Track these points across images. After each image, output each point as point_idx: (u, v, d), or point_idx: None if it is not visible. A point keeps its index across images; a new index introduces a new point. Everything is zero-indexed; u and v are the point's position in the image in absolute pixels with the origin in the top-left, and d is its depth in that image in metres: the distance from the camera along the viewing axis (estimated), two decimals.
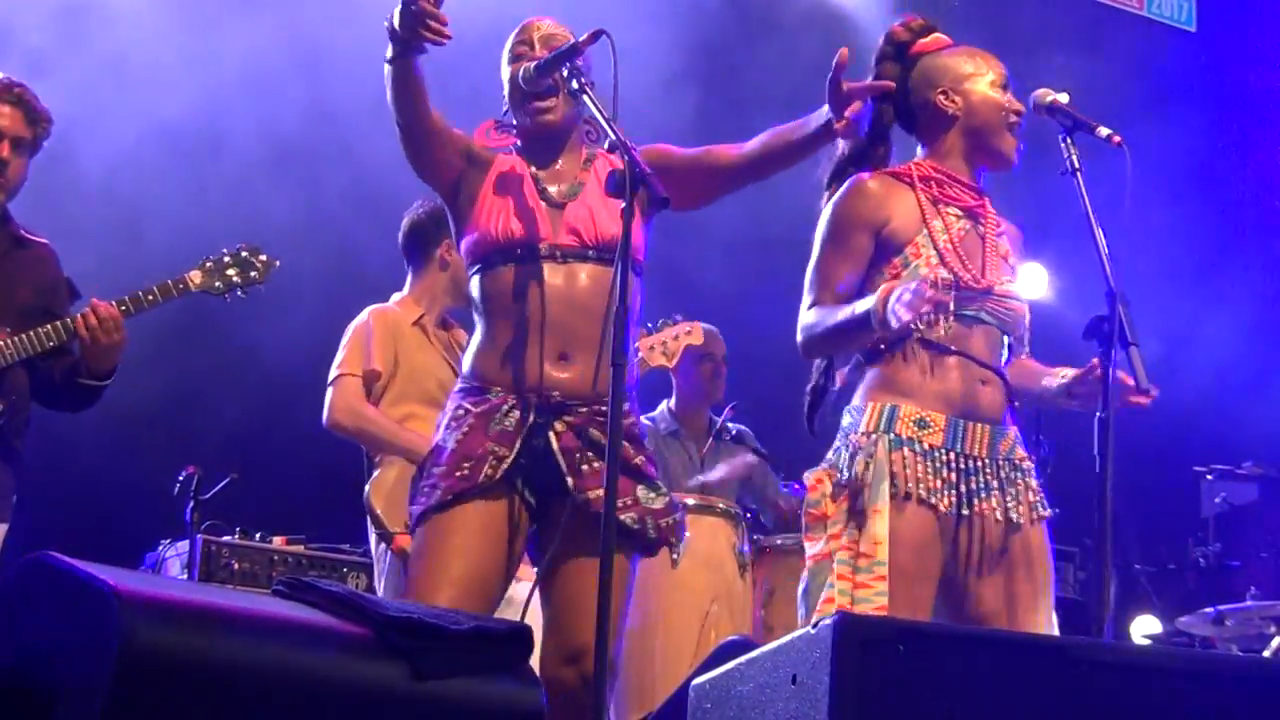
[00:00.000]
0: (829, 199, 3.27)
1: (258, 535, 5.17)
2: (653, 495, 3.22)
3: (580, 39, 3.11)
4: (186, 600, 2.09)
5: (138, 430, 6.06)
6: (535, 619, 4.39)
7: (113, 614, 1.92)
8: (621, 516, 3.09)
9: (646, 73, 6.20)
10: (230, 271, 3.84)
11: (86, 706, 1.91)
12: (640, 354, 5.07)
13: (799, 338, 3.22)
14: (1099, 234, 3.03)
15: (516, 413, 3.12)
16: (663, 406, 5.64)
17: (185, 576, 4.90)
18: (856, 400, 3.19)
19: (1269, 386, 7.98)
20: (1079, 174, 3.05)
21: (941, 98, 3.24)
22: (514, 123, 3.33)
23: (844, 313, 3.09)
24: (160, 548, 5.28)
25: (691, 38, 6.74)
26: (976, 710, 2.09)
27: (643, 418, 5.55)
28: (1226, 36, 8.07)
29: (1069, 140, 3.09)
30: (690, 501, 4.99)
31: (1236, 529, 7.43)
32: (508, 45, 3.32)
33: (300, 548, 5.18)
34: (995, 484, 3.12)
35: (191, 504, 5.04)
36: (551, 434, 3.12)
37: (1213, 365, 7.85)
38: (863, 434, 3.12)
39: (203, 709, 1.97)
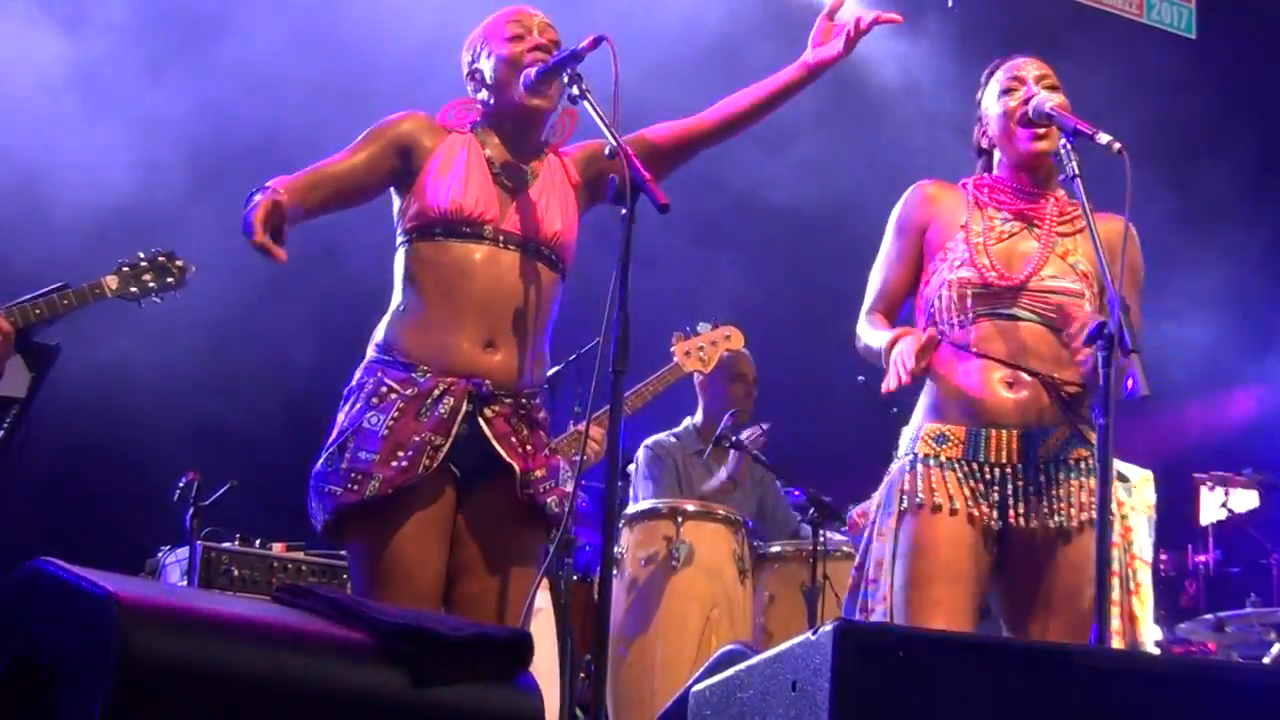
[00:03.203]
0: None
1: (257, 541, 5.15)
2: (566, 476, 3.23)
3: (582, 45, 3.11)
4: (186, 607, 2.08)
5: (137, 436, 6.05)
6: (535, 622, 4.45)
7: (113, 620, 1.92)
8: (548, 502, 3.15)
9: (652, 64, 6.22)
10: (146, 277, 3.80)
11: (86, 713, 1.91)
12: (675, 359, 5.06)
13: (857, 329, 3.34)
14: (1100, 240, 3.03)
15: (450, 399, 3.08)
16: (687, 423, 5.61)
17: (185, 583, 4.89)
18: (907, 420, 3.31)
19: (1269, 393, 7.98)
20: (1079, 180, 3.05)
21: (981, 135, 3.38)
22: (490, 100, 3.30)
23: (875, 341, 3.21)
24: (160, 554, 5.27)
25: (694, 41, 6.76)
26: (976, 717, 2.09)
27: (668, 434, 5.55)
28: (1226, 43, 8.08)
29: (1069, 147, 3.09)
30: (690, 508, 4.99)
31: (1236, 536, 7.43)
32: (491, 29, 3.31)
33: (300, 554, 5.16)
34: (1031, 489, 3.11)
35: (191, 510, 5.03)
36: (482, 420, 3.11)
37: (1213, 371, 7.86)
38: (895, 459, 3.24)
39: (202, 715, 1.97)
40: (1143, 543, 3.18)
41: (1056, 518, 3.10)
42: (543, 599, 4.54)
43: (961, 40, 7.40)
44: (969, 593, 3.08)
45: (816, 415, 6.55)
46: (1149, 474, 3.20)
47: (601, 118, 3.01)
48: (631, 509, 5.07)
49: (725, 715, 2.32)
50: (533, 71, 3.19)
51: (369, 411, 3.08)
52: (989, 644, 2.48)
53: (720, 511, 5.04)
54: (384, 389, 3.10)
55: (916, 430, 3.21)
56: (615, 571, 4.90)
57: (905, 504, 3.12)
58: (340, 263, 6.15)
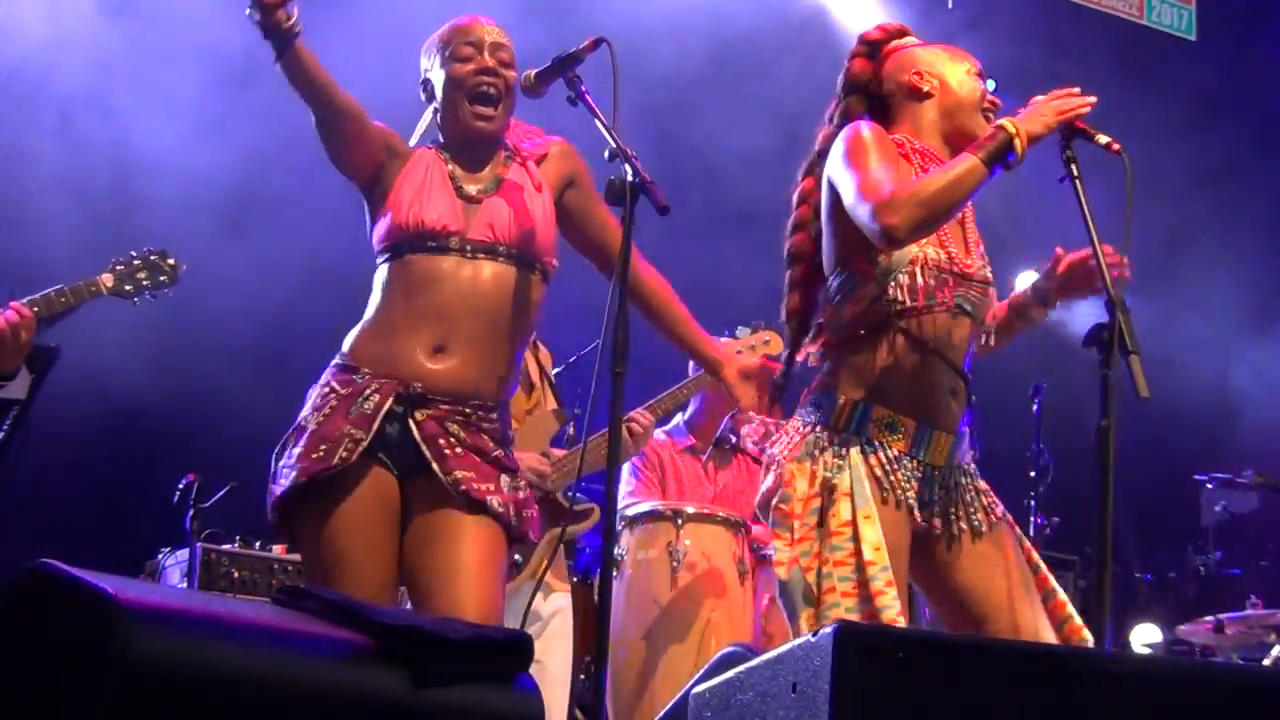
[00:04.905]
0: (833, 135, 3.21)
1: (257, 543, 5.16)
2: (516, 486, 3.18)
3: (581, 47, 3.10)
4: (186, 609, 2.09)
5: (138, 438, 6.06)
6: (553, 623, 4.45)
7: (113, 622, 1.92)
8: (489, 499, 3.08)
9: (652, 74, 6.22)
10: (140, 275, 3.85)
11: (86, 716, 1.91)
12: None
13: (896, 219, 2.89)
14: (1098, 242, 3.03)
15: (377, 396, 3.10)
16: (678, 419, 5.60)
17: (185, 585, 4.89)
18: (827, 387, 3.12)
19: (1269, 393, 7.98)
20: (1078, 181, 3.04)
21: (916, 77, 3.24)
22: (439, 117, 3.30)
23: (959, 160, 2.95)
24: (160, 556, 5.28)
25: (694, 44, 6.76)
26: (975, 718, 2.09)
27: (659, 430, 5.54)
28: (1226, 45, 8.08)
29: (1068, 148, 3.08)
30: (690, 510, 4.99)
31: (1236, 537, 7.44)
32: (444, 42, 3.27)
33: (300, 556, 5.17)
34: (942, 493, 3.10)
35: (191, 512, 5.04)
36: (411, 421, 3.10)
37: (1213, 372, 7.85)
38: (831, 429, 3.07)
39: (202, 718, 1.97)
40: None
41: (961, 524, 3.10)
42: (563, 599, 4.54)
43: (961, 41, 7.39)
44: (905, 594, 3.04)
45: None
46: None
47: (600, 119, 3.01)
48: (631, 511, 5.07)
49: (725, 717, 2.32)
50: (532, 74, 3.17)
51: (311, 412, 3.15)
52: (989, 645, 2.48)
53: (720, 514, 5.04)
54: (326, 390, 3.16)
55: (864, 408, 3.06)
56: (615, 573, 4.90)
57: (883, 494, 3.01)
58: (347, 269, 6.14)
